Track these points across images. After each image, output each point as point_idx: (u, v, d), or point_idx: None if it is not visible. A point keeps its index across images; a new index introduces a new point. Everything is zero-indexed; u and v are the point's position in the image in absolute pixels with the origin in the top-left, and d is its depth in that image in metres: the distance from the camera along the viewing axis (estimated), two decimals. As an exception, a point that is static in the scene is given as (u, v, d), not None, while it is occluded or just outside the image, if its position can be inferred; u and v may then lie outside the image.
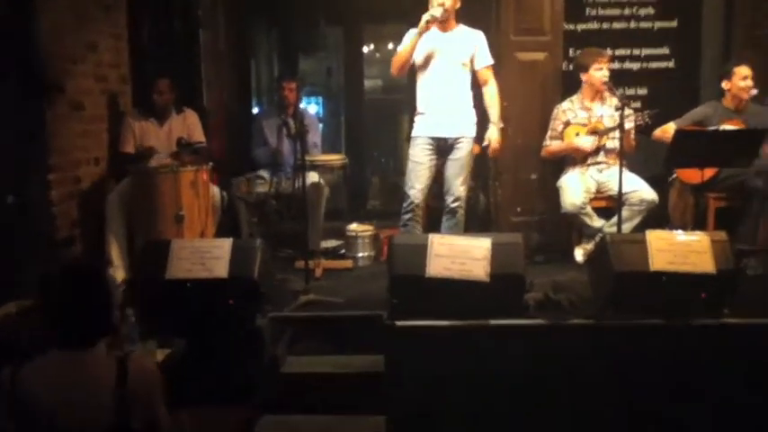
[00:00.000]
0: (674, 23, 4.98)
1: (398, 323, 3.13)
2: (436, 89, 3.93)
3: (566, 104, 4.46)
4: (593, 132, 4.33)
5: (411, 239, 3.43)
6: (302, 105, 5.38)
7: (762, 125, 4.17)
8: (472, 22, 4.05)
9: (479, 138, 4.07)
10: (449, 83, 3.92)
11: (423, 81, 3.98)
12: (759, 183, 4.07)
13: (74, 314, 1.87)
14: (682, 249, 3.15)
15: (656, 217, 4.25)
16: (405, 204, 4.00)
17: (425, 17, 3.77)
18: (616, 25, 4.98)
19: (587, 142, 4.31)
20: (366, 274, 4.23)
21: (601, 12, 4.97)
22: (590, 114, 4.40)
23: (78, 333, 1.87)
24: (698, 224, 4.32)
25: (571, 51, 4.88)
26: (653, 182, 4.27)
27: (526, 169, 4.67)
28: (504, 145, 4.09)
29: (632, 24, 4.98)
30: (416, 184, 3.95)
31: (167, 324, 3.09)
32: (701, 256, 3.13)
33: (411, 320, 3.14)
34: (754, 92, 4.26)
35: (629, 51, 4.96)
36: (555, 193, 4.41)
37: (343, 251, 4.60)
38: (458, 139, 3.95)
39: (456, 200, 3.99)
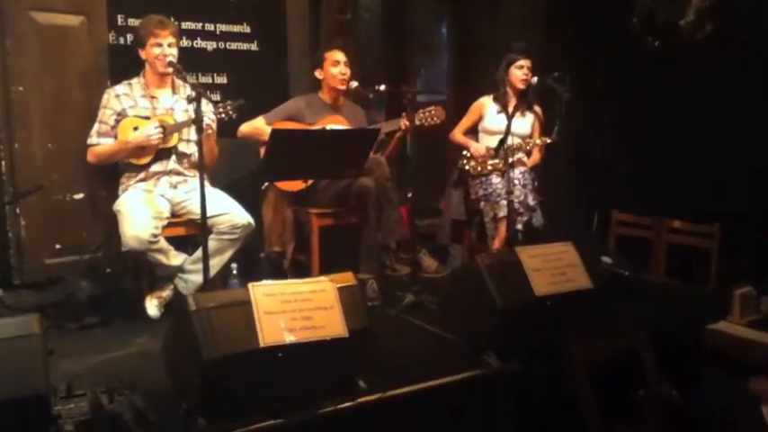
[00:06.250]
0: (254, -5, 3.98)
1: None
2: None
3: (122, 88, 3.21)
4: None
5: None
6: None
7: (358, 125, 3.51)
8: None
9: None
10: None
11: None
12: (368, 182, 3.29)
13: None
14: (300, 307, 2.13)
15: (250, 240, 3.22)
16: None
17: None
18: (179, -13, 3.74)
19: (151, 132, 3.07)
20: None
21: (155, -35, 3.66)
22: (155, 105, 3.20)
23: None
24: (302, 247, 3.47)
25: (120, 19, 3.50)
26: (242, 195, 3.26)
27: (66, 187, 3.29)
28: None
29: (201, -11, 3.81)
30: None
31: None
32: (327, 313, 2.15)
33: None
34: (355, 83, 3.54)
35: (200, 25, 3.79)
36: (114, 219, 3.08)
37: None
38: None
39: None
